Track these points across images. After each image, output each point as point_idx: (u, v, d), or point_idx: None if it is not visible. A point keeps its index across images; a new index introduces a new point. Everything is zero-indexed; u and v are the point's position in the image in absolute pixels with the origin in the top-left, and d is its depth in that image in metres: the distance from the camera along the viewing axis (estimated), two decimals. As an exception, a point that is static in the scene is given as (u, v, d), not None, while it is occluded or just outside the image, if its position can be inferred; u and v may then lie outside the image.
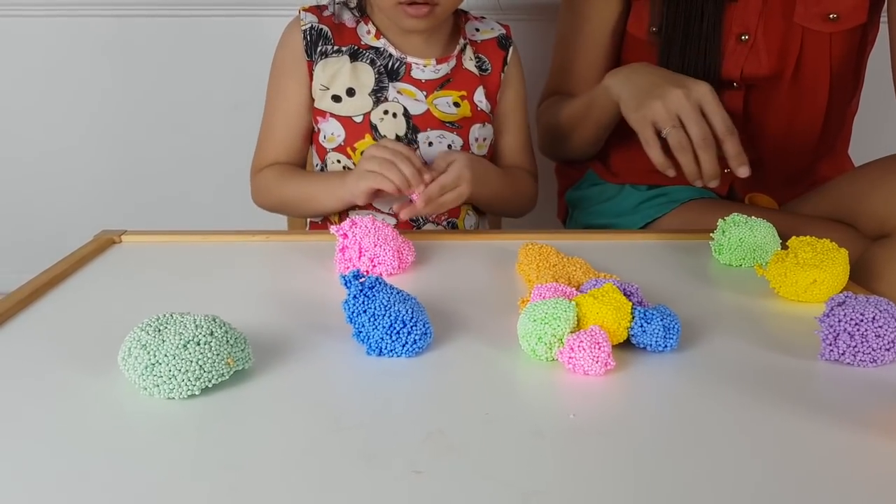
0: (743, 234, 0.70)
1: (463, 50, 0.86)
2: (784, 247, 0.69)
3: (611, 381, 0.49)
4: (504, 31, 0.90)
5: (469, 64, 0.86)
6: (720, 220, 0.72)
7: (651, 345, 0.52)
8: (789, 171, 0.97)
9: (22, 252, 1.42)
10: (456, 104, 0.85)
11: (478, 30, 0.89)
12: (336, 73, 0.83)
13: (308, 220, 0.92)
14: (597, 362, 0.48)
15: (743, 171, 0.75)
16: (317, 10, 0.85)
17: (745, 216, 0.72)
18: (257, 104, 1.30)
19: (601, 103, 0.87)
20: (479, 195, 0.82)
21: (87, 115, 1.37)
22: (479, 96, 0.86)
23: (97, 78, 1.35)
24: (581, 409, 0.45)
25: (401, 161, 0.73)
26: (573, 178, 1.05)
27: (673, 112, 0.76)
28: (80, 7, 1.30)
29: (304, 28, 0.83)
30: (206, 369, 0.44)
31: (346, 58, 0.83)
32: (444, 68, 0.85)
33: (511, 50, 0.89)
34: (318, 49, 0.83)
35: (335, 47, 0.83)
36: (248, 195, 1.35)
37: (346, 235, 0.66)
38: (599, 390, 0.48)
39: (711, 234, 0.73)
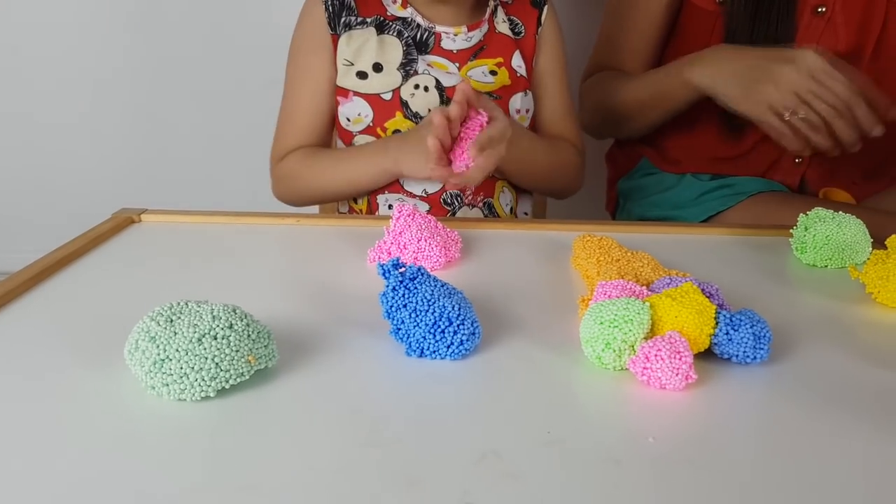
0: (830, 231, 0.62)
1: (494, 12, 0.79)
2: (879, 246, 0.61)
3: (692, 398, 0.41)
4: None
5: (503, 27, 0.78)
6: (801, 215, 0.64)
7: (738, 355, 0.44)
8: (869, 163, 0.88)
9: (44, 231, 1.39)
10: (493, 72, 0.77)
11: None
12: (361, 46, 0.76)
13: (340, 204, 0.86)
14: (676, 374, 0.41)
15: (877, 131, 0.73)
16: None
17: (832, 211, 0.64)
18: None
19: (677, 96, 0.81)
20: (515, 162, 0.74)
21: (115, 92, 1.33)
22: (518, 61, 0.79)
23: (124, 53, 1.31)
24: (661, 432, 0.38)
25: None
26: (626, 167, 0.97)
27: (791, 92, 0.71)
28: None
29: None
30: (223, 368, 0.38)
31: (371, 30, 0.76)
32: (477, 35, 0.77)
33: (546, 8, 0.81)
34: (342, 21, 0.76)
35: (359, 18, 0.76)
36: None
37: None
38: (680, 408, 0.40)
39: (791, 230, 0.65)
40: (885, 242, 0.57)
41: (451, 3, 0.75)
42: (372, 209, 0.80)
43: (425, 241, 0.58)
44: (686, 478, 0.34)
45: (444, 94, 0.76)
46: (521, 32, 0.79)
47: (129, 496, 0.32)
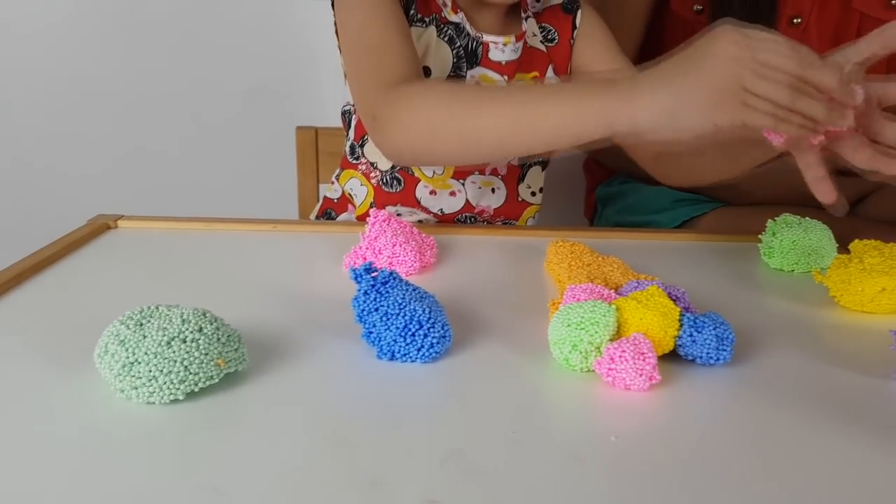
0: (796, 237, 0.63)
1: (525, 21, 0.75)
2: (844, 251, 0.62)
3: (656, 398, 0.42)
4: None
5: (534, 41, 0.75)
6: (770, 220, 0.66)
7: (702, 357, 0.45)
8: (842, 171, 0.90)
9: (20, 236, 1.38)
10: None
11: (538, 0, 0.78)
12: (426, 45, 0.68)
13: (316, 209, 0.86)
14: (640, 375, 0.42)
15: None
16: None
17: (798, 217, 0.65)
18: (272, 90, 1.25)
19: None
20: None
21: (93, 97, 1.32)
22: (550, 75, 0.75)
23: (102, 58, 1.30)
24: (623, 430, 0.39)
25: (816, 72, 0.43)
26: (603, 175, 0.99)
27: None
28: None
29: None
30: (192, 371, 0.39)
31: (432, 29, 0.68)
32: (521, 46, 0.73)
33: (579, 12, 0.75)
34: (410, 13, 0.67)
35: (419, 15, 0.68)
36: (259, 184, 1.30)
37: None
38: (643, 408, 0.41)
39: (759, 236, 0.66)
40: (849, 247, 0.59)
41: (502, 6, 0.71)
42: None
43: (400, 245, 0.59)
44: (645, 475, 0.35)
45: None
46: (554, 39, 0.74)
47: (98, 498, 0.32)
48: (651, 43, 0.93)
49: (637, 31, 0.90)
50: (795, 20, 0.83)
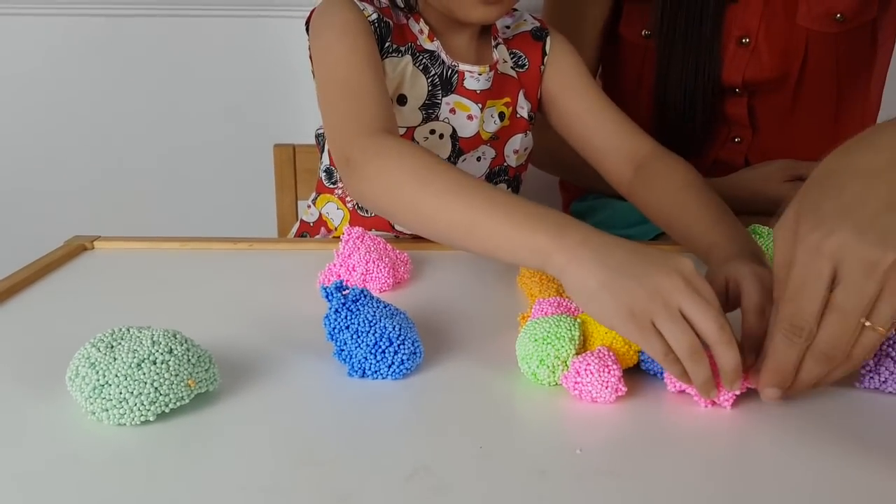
0: (766, 245, 0.65)
1: (495, 49, 0.76)
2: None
3: (621, 410, 0.43)
4: (538, 24, 0.77)
5: (504, 67, 0.75)
6: (739, 231, 0.67)
7: (663, 371, 0.46)
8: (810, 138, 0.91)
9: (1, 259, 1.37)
10: (501, 115, 0.75)
11: (508, 27, 0.77)
12: (402, 75, 0.70)
13: (293, 231, 0.86)
14: (606, 388, 0.43)
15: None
16: None
17: (767, 227, 0.67)
18: (249, 108, 1.26)
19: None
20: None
21: (72, 116, 1.32)
22: (521, 101, 0.76)
23: (81, 77, 1.30)
24: (588, 443, 0.40)
25: (724, 349, 0.41)
26: (577, 192, 1.00)
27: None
28: (65, 6, 1.26)
29: (370, 18, 0.67)
30: (162, 392, 0.39)
31: (408, 58, 0.70)
32: (493, 74, 0.74)
33: (549, 39, 0.76)
34: (385, 45, 0.68)
35: (394, 46, 0.69)
36: (238, 202, 1.31)
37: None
38: (609, 421, 0.42)
39: (729, 247, 0.68)
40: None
41: (474, 33, 0.73)
42: None
43: (373, 262, 0.60)
44: (607, 487, 0.36)
45: (458, 144, 0.74)
46: (524, 65, 0.76)
47: (63, 521, 0.33)
48: (608, 68, 0.95)
49: (591, 58, 0.91)
50: (744, 40, 0.85)
